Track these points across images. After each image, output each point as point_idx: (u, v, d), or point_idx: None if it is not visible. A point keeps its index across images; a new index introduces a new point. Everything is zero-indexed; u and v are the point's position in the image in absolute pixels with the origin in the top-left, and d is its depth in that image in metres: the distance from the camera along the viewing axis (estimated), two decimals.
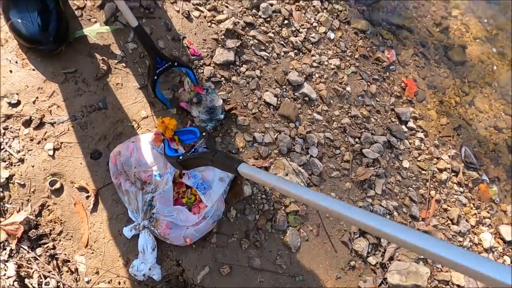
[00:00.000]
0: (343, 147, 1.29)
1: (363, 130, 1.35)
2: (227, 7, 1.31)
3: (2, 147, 1.03)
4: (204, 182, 1.03)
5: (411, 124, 1.45)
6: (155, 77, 1.08)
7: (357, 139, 1.32)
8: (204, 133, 0.94)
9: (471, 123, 1.57)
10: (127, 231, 1.00)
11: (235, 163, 0.76)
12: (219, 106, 1.14)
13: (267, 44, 1.31)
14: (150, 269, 0.97)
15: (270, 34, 1.33)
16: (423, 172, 1.40)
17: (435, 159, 1.44)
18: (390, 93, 1.49)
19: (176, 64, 1.10)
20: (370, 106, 1.41)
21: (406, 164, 1.38)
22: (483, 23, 1.82)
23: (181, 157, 0.91)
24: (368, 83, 1.44)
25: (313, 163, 1.21)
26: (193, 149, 0.90)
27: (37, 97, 1.08)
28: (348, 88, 1.39)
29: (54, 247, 0.98)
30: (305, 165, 1.21)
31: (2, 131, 1.04)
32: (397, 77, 1.54)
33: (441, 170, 1.42)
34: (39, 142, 1.05)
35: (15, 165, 1.02)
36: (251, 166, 0.77)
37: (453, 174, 1.43)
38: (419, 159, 1.41)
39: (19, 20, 1.03)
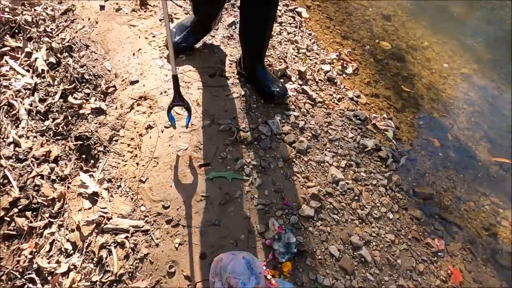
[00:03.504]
0: None
1: None
2: (315, 178, 1.86)
3: (149, 233, 1.54)
4: None
5: None
6: (171, 106, 1.68)
7: None
8: None
9: None
10: None
11: None
12: (294, 243, 1.55)
13: (339, 210, 1.77)
14: None
15: (343, 204, 1.80)
16: None
17: None
18: (436, 276, 1.74)
19: (186, 106, 1.69)
20: (416, 282, 1.67)
21: None
22: None
23: None
24: (417, 261, 1.74)
25: None
26: None
27: (180, 206, 1.63)
28: (399, 261, 1.70)
29: None
30: None
31: (152, 222, 1.57)
32: (444, 264, 1.81)
33: None
34: (171, 236, 1.54)
35: (152, 247, 1.50)
36: None
37: None
38: None
39: None
